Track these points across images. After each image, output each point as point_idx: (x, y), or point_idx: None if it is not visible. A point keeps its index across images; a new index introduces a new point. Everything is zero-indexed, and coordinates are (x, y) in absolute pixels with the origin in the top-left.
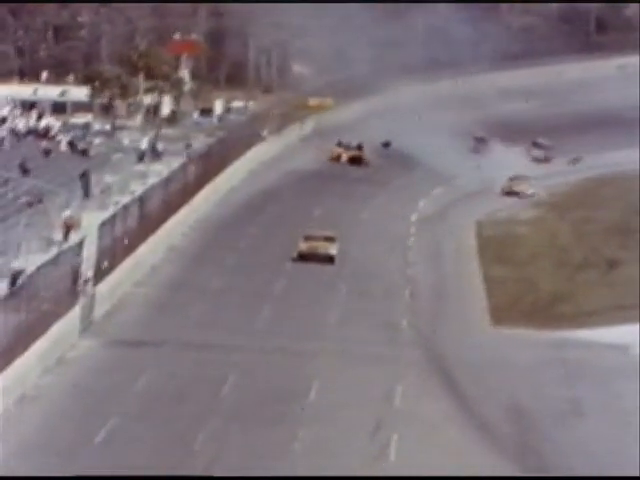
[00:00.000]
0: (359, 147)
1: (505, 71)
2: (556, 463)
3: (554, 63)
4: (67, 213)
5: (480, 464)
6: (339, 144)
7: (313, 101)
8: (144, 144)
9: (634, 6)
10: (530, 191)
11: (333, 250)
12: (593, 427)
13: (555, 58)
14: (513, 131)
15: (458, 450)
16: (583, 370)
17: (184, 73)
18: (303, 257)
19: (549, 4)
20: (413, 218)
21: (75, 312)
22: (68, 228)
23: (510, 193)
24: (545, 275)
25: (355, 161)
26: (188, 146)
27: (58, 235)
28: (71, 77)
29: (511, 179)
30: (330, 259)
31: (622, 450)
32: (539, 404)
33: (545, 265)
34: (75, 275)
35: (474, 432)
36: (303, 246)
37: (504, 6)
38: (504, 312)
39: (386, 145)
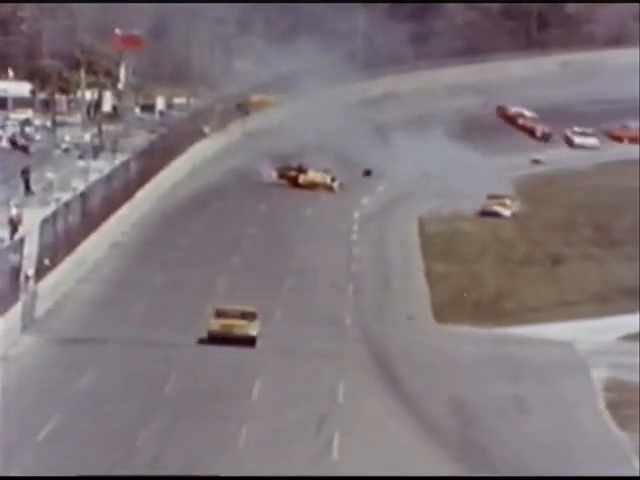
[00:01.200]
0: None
1: (449, 68)
2: (500, 457)
3: (497, 60)
4: (13, 211)
5: (424, 459)
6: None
7: (255, 98)
8: (86, 140)
9: (575, 4)
10: (508, 212)
11: (253, 330)
12: (537, 422)
13: (498, 55)
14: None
15: (401, 446)
16: (527, 366)
17: (122, 69)
18: (214, 339)
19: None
20: (356, 215)
21: (17, 309)
22: (14, 225)
23: (488, 213)
24: (489, 271)
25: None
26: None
27: (2, 232)
28: (11, 72)
29: (489, 197)
30: (250, 341)
31: (565, 444)
32: (483, 400)
33: (489, 261)
34: (16, 272)
35: (417, 428)
36: (214, 324)
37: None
38: (447, 308)
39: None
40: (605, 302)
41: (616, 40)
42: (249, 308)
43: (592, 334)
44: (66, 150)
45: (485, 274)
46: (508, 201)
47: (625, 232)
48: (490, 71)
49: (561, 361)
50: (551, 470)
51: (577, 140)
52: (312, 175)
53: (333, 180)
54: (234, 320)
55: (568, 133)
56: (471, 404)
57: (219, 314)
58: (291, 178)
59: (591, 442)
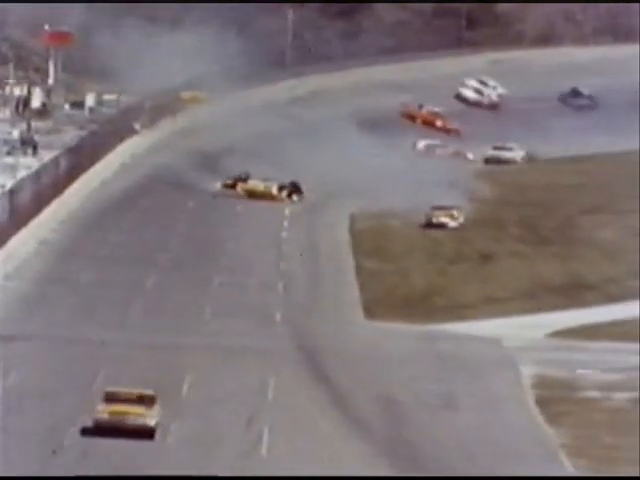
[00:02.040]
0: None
1: (378, 66)
2: (429, 455)
3: (426, 58)
4: None
5: (352, 455)
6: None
7: (186, 94)
8: (14, 136)
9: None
10: (454, 223)
11: (152, 419)
12: (465, 418)
13: (427, 53)
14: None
15: (330, 442)
16: (456, 363)
17: (51, 65)
18: (101, 430)
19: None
20: (287, 212)
21: None
22: None
23: (432, 225)
24: (418, 268)
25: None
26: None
27: None
28: None
29: (434, 208)
30: (148, 433)
31: (493, 440)
32: (412, 396)
33: (418, 258)
34: None
35: (347, 424)
36: (102, 411)
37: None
38: (377, 305)
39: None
40: (533, 299)
41: (545, 39)
42: (146, 391)
43: (520, 331)
44: None
45: (414, 271)
46: (455, 212)
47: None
48: (418, 70)
49: (489, 357)
50: (480, 467)
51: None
52: (253, 184)
53: (281, 189)
54: (127, 406)
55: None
56: (400, 401)
57: (109, 398)
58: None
59: (519, 438)
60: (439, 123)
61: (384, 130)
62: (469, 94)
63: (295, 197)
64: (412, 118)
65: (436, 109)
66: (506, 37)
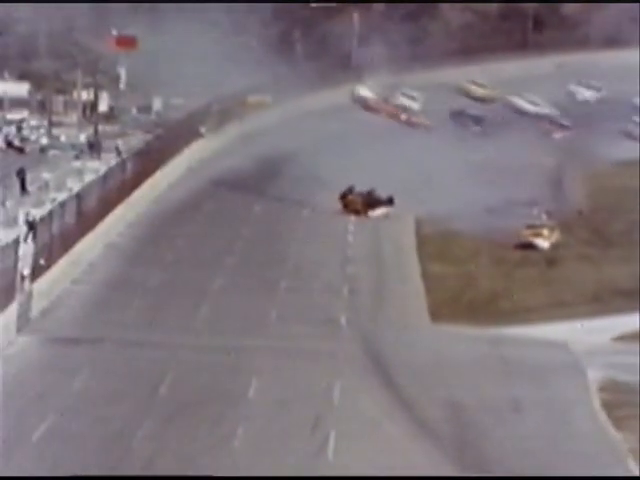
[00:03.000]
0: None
1: (444, 69)
2: (495, 460)
3: (492, 61)
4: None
5: (419, 461)
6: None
7: (252, 99)
8: (82, 140)
9: (571, 4)
10: (546, 244)
11: None
12: (531, 424)
13: (493, 56)
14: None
15: (396, 447)
16: (522, 367)
17: (122, 69)
18: None
19: (489, 3)
20: (353, 216)
21: (12, 309)
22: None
23: (524, 245)
24: (484, 272)
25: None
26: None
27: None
28: (6, 73)
29: (528, 227)
30: None
31: (561, 445)
32: (478, 401)
33: (484, 262)
34: (12, 272)
35: (413, 429)
36: None
37: (444, 4)
38: (443, 309)
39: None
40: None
41: (611, 42)
42: None
43: (587, 335)
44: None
45: (480, 274)
46: (546, 231)
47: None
48: (484, 73)
49: (555, 362)
50: (546, 472)
51: None
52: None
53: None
54: None
55: None
56: (466, 405)
57: None
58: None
59: (587, 443)
60: (403, 117)
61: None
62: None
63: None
64: (375, 111)
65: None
66: (572, 39)
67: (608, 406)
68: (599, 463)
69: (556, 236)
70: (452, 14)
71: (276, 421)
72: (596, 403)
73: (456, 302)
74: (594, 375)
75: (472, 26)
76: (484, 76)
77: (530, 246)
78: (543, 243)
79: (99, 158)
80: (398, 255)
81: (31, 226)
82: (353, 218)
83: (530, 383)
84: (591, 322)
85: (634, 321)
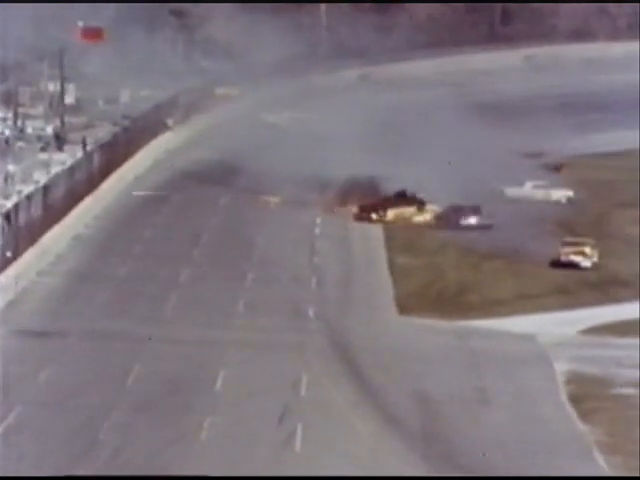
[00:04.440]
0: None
1: (411, 61)
2: (463, 450)
3: (459, 53)
4: None
5: (386, 452)
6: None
7: (219, 91)
8: (48, 132)
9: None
10: (588, 262)
11: None
12: (498, 414)
13: (460, 48)
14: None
15: (363, 438)
16: (489, 359)
17: (88, 62)
18: None
19: None
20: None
21: None
22: None
23: (564, 264)
24: (451, 264)
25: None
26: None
27: None
28: None
29: (565, 244)
30: None
31: (527, 436)
32: (446, 393)
33: (451, 254)
34: None
35: (380, 420)
36: None
37: None
38: (411, 301)
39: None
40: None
41: (579, 35)
42: None
43: (554, 327)
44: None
45: (447, 267)
46: (588, 249)
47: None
48: (451, 65)
49: (522, 354)
50: (513, 463)
51: None
52: None
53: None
54: None
55: None
56: (433, 397)
57: None
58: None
59: (553, 435)
60: None
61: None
62: None
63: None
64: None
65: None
66: (541, 32)
67: (575, 399)
68: (565, 455)
69: (597, 254)
70: (419, 6)
71: (243, 413)
72: (563, 395)
73: (424, 294)
74: (561, 368)
75: (440, 18)
76: (451, 68)
77: (571, 265)
78: (586, 262)
79: (62, 150)
80: (366, 247)
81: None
82: (321, 210)
83: (498, 375)
84: (558, 315)
85: (601, 314)
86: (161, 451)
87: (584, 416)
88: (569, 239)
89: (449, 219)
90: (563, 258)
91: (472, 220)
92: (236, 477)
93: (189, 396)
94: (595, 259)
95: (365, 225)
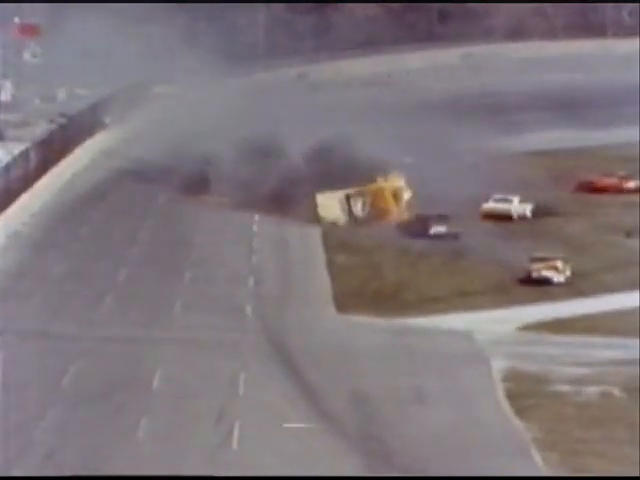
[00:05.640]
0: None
1: (348, 59)
2: (398, 448)
3: (396, 52)
4: None
5: (323, 451)
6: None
7: (157, 89)
8: None
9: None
10: (562, 277)
11: None
12: (435, 413)
13: (397, 47)
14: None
15: (300, 437)
16: (426, 357)
17: (23, 57)
18: None
19: None
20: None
21: None
22: None
23: (536, 280)
24: (388, 263)
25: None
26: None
27: None
28: None
29: (534, 260)
30: None
31: (464, 434)
32: (382, 391)
33: (388, 253)
34: None
35: (317, 419)
36: None
37: None
38: (348, 299)
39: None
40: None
41: (514, 34)
42: None
43: (491, 324)
44: None
45: (385, 265)
46: (560, 264)
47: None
48: (388, 64)
49: (459, 351)
50: (450, 461)
51: None
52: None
53: None
54: None
55: None
56: (370, 395)
57: None
58: None
59: (490, 432)
60: None
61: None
62: None
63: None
64: None
65: None
66: (477, 31)
67: (512, 396)
68: (502, 452)
69: (569, 269)
70: (356, 6)
71: (181, 412)
72: (500, 393)
73: (361, 293)
74: (498, 365)
75: (377, 18)
76: (389, 67)
77: (544, 282)
78: (559, 277)
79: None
80: (303, 245)
81: None
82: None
83: (435, 373)
84: (495, 312)
85: (537, 311)
86: (97, 450)
87: (521, 413)
88: (535, 256)
89: (416, 228)
90: (535, 274)
91: (441, 229)
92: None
93: (125, 395)
94: (568, 273)
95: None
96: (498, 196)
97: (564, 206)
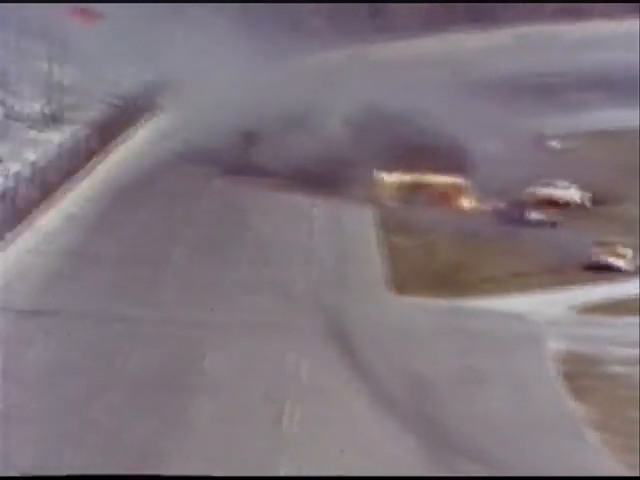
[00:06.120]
0: None
1: (407, 40)
2: (454, 428)
3: (455, 32)
4: None
5: (379, 433)
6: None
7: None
8: (37, 111)
9: None
10: (622, 262)
11: None
12: (493, 396)
13: (456, 27)
14: None
15: (357, 420)
16: (483, 338)
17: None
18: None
19: None
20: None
21: None
22: None
23: (600, 267)
24: (446, 243)
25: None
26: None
27: None
28: None
29: (596, 244)
30: None
31: (520, 415)
32: (439, 373)
33: (446, 233)
34: None
35: (373, 401)
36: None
37: None
38: (405, 280)
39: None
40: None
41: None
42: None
43: (547, 306)
44: None
45: (442, 246)
46: (621, 249)
47: None
48: (448, 44)
49: (515, 333)
50: (505, 441)
51: None
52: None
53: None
54: None
55: None
56: (427, 377)
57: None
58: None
59: (545, 413)
60: None
61: None
62: None
63: None
64: None
65: None
66: (530, 11)
67: (567, 377)
68: (558, 434)
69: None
70: None
71: (235, 395)
72: (555, 374)
73: (418, 273)
74: (553, 346)
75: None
76: (447, 47)
77: (607, 268)
78: (627, 265)
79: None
80: (360, 226)
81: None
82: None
83: (491, 355)
84: (551, 293)
85: (594, 292)
86: (155, 432)
87: (577, 395)
88: (600, 240)
89: (511, 213)
90: (598, 260)
91: (539, 215)
92: (236, 477)
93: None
94: (629, 257)
95: None
96: (558, 182)
97: (625, 190)
